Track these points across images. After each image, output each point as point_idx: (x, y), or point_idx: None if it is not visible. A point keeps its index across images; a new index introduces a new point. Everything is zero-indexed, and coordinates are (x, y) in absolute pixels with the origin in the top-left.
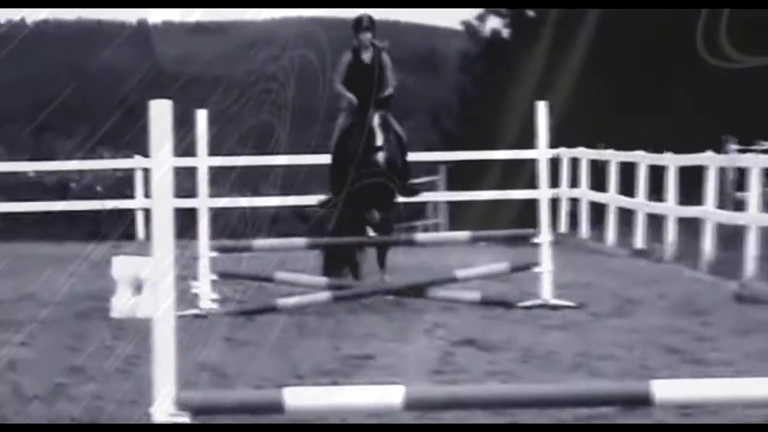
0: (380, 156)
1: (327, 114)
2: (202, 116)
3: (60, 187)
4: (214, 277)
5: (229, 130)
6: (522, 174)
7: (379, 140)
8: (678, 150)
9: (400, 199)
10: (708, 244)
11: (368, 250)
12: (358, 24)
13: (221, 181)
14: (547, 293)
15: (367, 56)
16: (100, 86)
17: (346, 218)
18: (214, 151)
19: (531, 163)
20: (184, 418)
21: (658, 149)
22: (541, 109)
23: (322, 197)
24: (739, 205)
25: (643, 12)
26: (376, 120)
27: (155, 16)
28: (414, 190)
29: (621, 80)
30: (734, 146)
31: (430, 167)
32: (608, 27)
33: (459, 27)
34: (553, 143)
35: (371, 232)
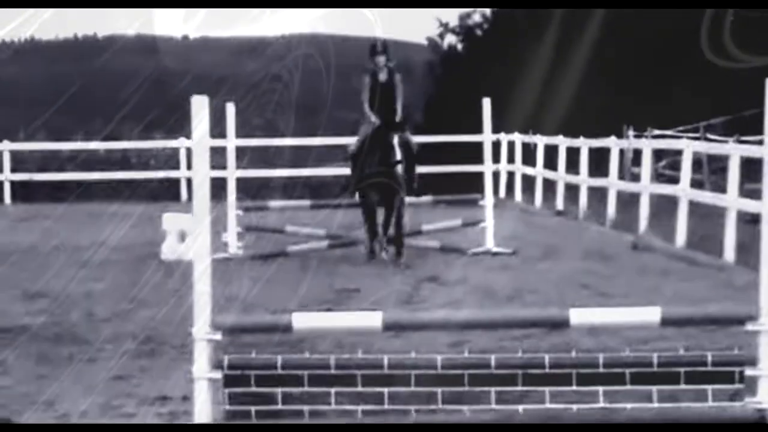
0: (398, 168)
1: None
2: (231, 109)
3: (124, 161)
4: (240, 229)
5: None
6: (471, 153)
7: (398, 155)
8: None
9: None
10: (611, 206)
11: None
12: (373, 48)
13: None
14: (490, 243)
15: (382, 77)
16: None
17: (366, 206)
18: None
19: (479, 145)
20: (218, 336)
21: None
22: (486, 104)
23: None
24: (635, 177)
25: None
26: (395, 140)
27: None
28: (418, 192)
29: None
30: (631, 132)
31: None
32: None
33: (424, 42)
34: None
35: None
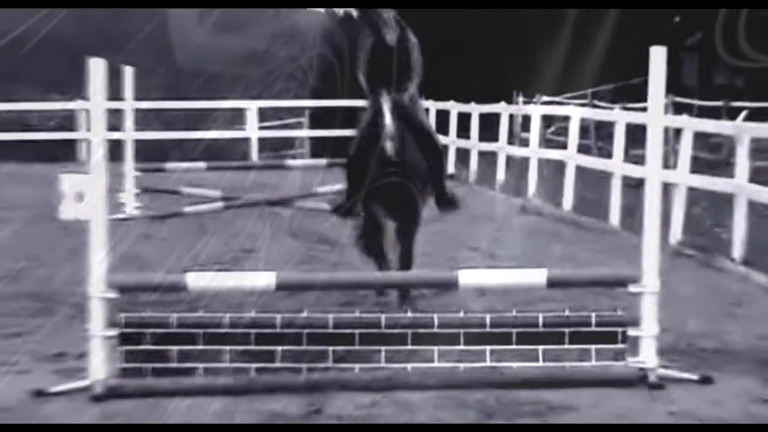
0: (389, 146)
1: None
2: (129, 72)
3: (22, 121)
4: (137, 190)
5: None
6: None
7: (388, 126)
8: None
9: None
10: (501, 170)
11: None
12: None
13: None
14: None
15: (390, 37)
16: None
17: (367, 223)
18: None
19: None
20: (113, 294)
21: None
22: None
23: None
24: (524, 142)
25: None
26: (386, 104)
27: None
28: (452, 202)
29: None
30: (521, 99)
31: (298, 111)
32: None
33: (321, 9)
34: None
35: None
